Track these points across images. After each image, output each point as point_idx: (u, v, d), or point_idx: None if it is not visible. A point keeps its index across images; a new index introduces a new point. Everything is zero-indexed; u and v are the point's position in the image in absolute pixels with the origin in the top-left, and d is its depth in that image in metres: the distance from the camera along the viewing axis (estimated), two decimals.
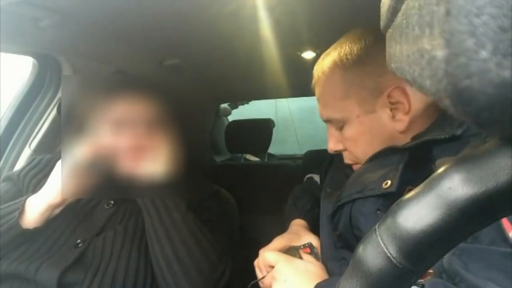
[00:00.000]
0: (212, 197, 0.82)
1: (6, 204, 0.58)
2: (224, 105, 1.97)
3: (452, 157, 0.18)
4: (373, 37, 0.48)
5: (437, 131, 0.41)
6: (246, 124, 1.52)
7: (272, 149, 1.67)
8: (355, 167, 0.56)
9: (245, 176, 1.39)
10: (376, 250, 0.19)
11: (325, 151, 0.60)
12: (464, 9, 0.12)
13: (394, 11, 0.18)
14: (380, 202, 0.43)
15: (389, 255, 0.18)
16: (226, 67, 1.04)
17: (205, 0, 0.58)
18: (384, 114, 0.49)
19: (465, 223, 0.17)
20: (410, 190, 0.19)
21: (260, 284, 0.56)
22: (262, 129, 1.49)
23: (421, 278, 0.34)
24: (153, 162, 0.54)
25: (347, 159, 0.57)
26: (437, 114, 0.46)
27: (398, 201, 0.19)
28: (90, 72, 0.85)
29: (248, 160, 1.96)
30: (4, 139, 0.84)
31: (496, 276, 0.29)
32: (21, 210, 0.55)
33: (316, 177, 0.82)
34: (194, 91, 1.26)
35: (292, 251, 0.57)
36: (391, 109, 0.48)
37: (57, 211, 0.59)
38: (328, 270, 0.51)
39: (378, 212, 0.43)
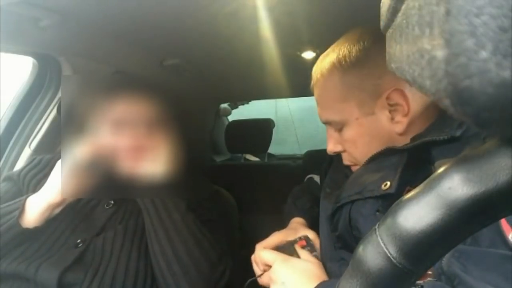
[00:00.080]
0: (212, 197, 0.82)
1: (6, 204, 0.58)
2: (224, 105, 1.97)
3: (452, 158, 0.18)
4: (372, 39, 0.48)
5: (436, 132, 0.41)
6: (246, 124, 1.52)
7: (272, 149, 1.67)
8: (353, 168, 0.56)
9: (245, 176, 1.39)
10: (376, 250, 0.19)
11: (325, 151, 0.60)
12: (464, 9, 0.12)
13: (394, 11, 0.18)
14: (379, 203, 0.43)
15: (389, 255, 0.18)
16: (226, 67, 1.04)
17: (205, 0, 0.58)
18: (383, 116, 0.49)
19: (465, 223, 0.17)
20: (409, 191, 0.19)
21: (258, 280, 0.56)
22: (262, 129, 1.48)
23: (420, 279, 0.34)
24: (153, 162, 0.54)
25: (346, 160, 0.57)
26: (436, 115, 0.46)
27: (398, 201, 0.19)
28: (90, 72, 0.84)
29: (248, 160, 1.96)
30: (4, 139, 0.84)
31: (495, 278, 0.29)
32: (21, 210, 0.55)
33: (317, 178, 0.82)
34: (194, 91, 1.26)
35: (288, 246, 0.57)
36: (390, 111, 0.48)
37: (57, 210, 0.59)
38: (328, 271, 0.51)
39: (377, 213, 0.43)
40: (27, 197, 0.58)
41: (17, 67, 0.88)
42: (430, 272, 0.35)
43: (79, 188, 0.52)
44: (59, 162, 0.58)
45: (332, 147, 0.57)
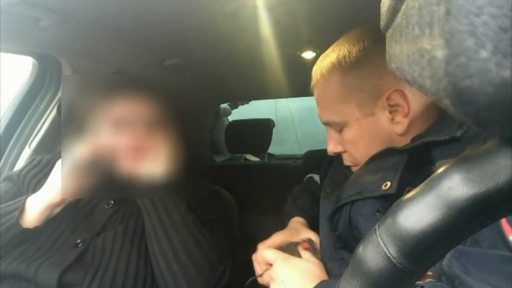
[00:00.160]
0: (212, 197, 0.82)
1: (6, 204, 0.58)
2: (224, 105, 1.97)
3: (452, 158, 0.18)
4: (372, 39, 0.48)
5: (437, 133, 0.41)
6: (246, 124, 1.52)
7: (272, 149, 1.67)
8: (354, 169, 0.56)
9: (245, 176, 1.38)
10: (376, 250, 0.19)
11: (325, 151, 0.60)
12: (464, 9, 0.12)
13: (394, 11, 0.18)
14: (379, 203, 0.43)
15: (389, 255, 0.18)
16: (226, 67, 1.04)
17: (205, 0, 0.58)
18: (384, 117, 0.49)
19: (465, 223, 0.17)
20: (409, 192, 0.19)
21: (259, 279, 0.56)
22: (262, 129, 1.48)
23: (420, 279, 0.34)
24: (152, 162, 0.54)
25: (347, 161, 0.57)
26: (436, 116, 0.46)
27: (398, 201, 0.19)
28: (90, 72, 0.85)
29: (248, 160, 1.96)
30: (4, 139, 0.84)
31: (495, 279, 0.29)
32: (21, 209, 0.55)
33: (316, 177, 0.82)
34: (194, 91, 1.26)
35: (290, 247, 0.57)
36: (390, 112, 0.48)
37: (57, 210, 0.59)
38: (328, 271, 0.51)
39: (377, 213, 0.43)
40: (27, 197, 0.58)
41: (17, 67, 0.88)
42: (430, 273, 0.34)
43: (79, 188, 0.52)
44: (59, 162, 0.58)
45: (332, 148, 0.57)
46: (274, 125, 1.57)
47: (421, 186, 0.18)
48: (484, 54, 0.11)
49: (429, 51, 0.14)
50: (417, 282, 0.33)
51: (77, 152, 0.52)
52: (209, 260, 0.62)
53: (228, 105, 2.01)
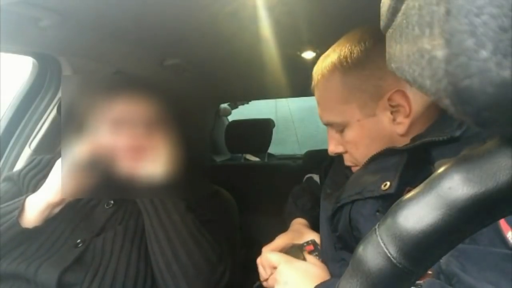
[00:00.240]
0: (212, 197, 0.82)
1: (6, 204, 0.58)
2: (224, 105, 1.97)
3: (452, 158, 0.18)
4: (373, 40, 0.48)
5: (437, 133, 0.41)
6: (246, 124, 1.52)
7: (272, 149, 1.67)
8: (354, 169, 0.56)
9: (245, 176, 1.38)
10: (376, 250, 0.19)
11: (325, 151, 0.60)
12: (464, 9, 0.12)
13: (394, 11, 0.18)
14: (379, 203, 0.43)
15: (389, 255, 0.18)
16: (226, 67, 1.04)
17: (205, 0, 0.58)
18: (385, 118, 0.49)
19: (465, 223, 0.17)
20: (409, 192, 0.19)
21: (264, 284, 0.56)
22: (262, 129, 1.48)
23: (420, 279, 0.34)
24: (152, 162, 0.54)
25: (348, 161, 0.57)
26: (436, 116, 0.46)
27: (398, 201, 0.19)
28: (90, 72, 0.85)
29: (248, 160, 1.96)
30: (4, 139, 0.84)
31: (493, 277, 0.29)
32: (20, 209, 0.55)
33: (316, 177, 0.82)
34: (194, 91, 1.26)
35: (295, 250, 0.57)
36: (391, 112, 0.48)
37: (57, 210, 0.59)
38: (328, 271, 0.51)
39: (378, 213, 0.43)
40: (26, 196, 0.58)
41: (17, 67, 0.88)
42: (430, 272, 0.35)
43: (78, 188, 0.52)
44: (58, 161, 0.58)
45: (333, 148, 0.57)
46: (274, 125, 1.57)
47: (421, 186, 0.18)
48: (484, 54, 0.11)
49: (429, 51, 0.14)
50: (416, 281, 0.33)
51: (77, 152, 0.52)
52: (209, 261, 0.62)
53: (228, 105, 2.01)
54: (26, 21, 0.59)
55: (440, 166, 0.18)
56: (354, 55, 0.49)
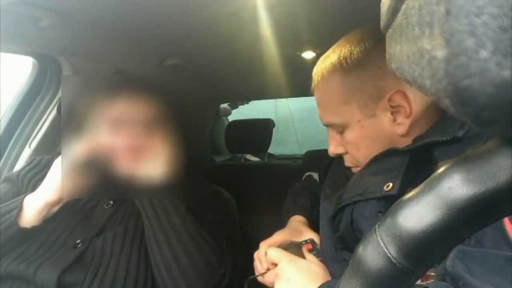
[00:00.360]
0: (212, 197, 0.82)
1: (4, 204, 0.58)
2: (224, 105, 1.97)
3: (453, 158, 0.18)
4: (373, 40, 0.48)
5: (438, 133, 0.41)
6: (246, 124, 1.52)
7: (272, 149, 1.68)
8: (355, 170, 0.56)
9: (245, 176, 1.38)
10: (376, 250, 0.19)
11: (325, 151, 0.60)
12: (464, 9, 0.12)
13: (394, 11, 0.18)
14: (381, 204, 0.43)
15: (389, 255, 0.18)
16: (226, 67, 1.04)
17: (205, 0, 0.58)
18: (385, 118, 0.49)
19: (465, 223, 0.17)
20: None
21: (259, 278, 0.56)
22: (262, 129, 1.48)
23: (423, 280, 0.34)
24: (151, 163, 0.54)
25: (348, 162, 0.56)
26: (437, 116, 0.46)
27: (398, 201, 0.19)
28: (90, 72, 0.85)
29: (248, 160, 1.96)
30: (4, 139, 0.84)
31: (499, 280, 0.29)
32: (19, 209, 0.55)
33: (315, 175, 0.82)
34: (194, 91, 1.26)
35: (294, 247, 0.57)
36: (392, 113, 0.48)
37: (55, 209, 0.59)
38: (329, 272, 0.51)
39: (380, 214, 0.43)
40: (25, 196, 0.58)
41: (17, 67, 0.88)
42: (433, 273, 0.34)
43: (77, 188, 0.52)
44: (56, 161, 0.58)
45: (333, 149, 0.56)
46: (274, 125, 1.57)
47: (421, 186, 0.18)
48: (484, 54, 0.11)
49: (429, 51, 0.14)
50: (421, 283, 0.33)
51: (77, 152, 0.52)
52: (209, 263, 0.62)
53: (228, 105, 2.01)
54: (26, 21, 0.59)
55: (442, 166, 0.18)
56: (354, 56, 0.49)
